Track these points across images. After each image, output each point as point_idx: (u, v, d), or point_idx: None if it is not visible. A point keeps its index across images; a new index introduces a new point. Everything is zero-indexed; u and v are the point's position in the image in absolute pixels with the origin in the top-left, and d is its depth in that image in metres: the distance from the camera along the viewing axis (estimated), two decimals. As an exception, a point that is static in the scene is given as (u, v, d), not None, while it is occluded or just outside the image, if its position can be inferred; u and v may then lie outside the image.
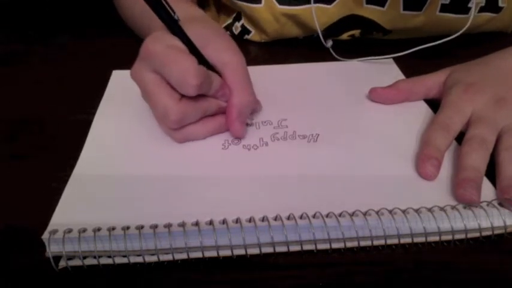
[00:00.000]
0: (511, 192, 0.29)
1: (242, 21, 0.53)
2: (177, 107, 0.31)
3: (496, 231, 0.27)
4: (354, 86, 0.42)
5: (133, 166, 0.33)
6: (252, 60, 0.49)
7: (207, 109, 0.34)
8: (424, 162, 0.32)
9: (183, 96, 0.32)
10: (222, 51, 0.34)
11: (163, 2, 0.30)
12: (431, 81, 0.39)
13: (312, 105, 0.39)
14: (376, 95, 0.40)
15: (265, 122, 0.37)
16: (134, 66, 0.33)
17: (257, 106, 0.38)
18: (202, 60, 0.32)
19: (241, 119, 0.34)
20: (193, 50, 0.32)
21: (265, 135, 0.36)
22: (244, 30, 0.53)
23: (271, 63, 0.46)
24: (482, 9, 0.48)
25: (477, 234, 0.27)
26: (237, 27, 0.53)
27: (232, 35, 0.54)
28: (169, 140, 0.35)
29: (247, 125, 0.36)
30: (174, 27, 0.31)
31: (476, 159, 0.31)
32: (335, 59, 0.47)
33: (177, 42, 0.31)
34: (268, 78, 0.43)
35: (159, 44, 0.31)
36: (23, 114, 0.40)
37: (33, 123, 0.39)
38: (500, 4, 0.48)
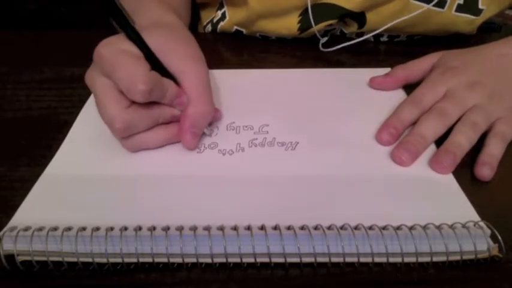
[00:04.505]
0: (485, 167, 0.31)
1: (224, 8, 0.52)
2: (122, 115, 0.30)
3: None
4: (345, 95, 0.40)
5: (105, 169, 0.32)
6: (245, 63, 0.46)
7: (160, 117, 0.32)
8: (383, 129, 0.34)
9: (133, 102, 0.30)
10: (182, 59, 0.33)
11: (119, 7, 0.30)
12: (427, 64, 0.40)
13: (298, 113, 0.38)
14: (375, 84, 0.41)
15: (246, 127, 0.36)
16: (88, 71, 0.32)
17: (217, 116, 0.36)
18: (159, 67, 0.31)
19: (194, 129, 0.32)
20: (150, 56, 0.31)
21: (243, 140, 0.35)
22: (222, 18, 0.52)
23: (265, 67, 0.45)
24: (461, 10, 0.47)
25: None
26: (217, 15, 0.53)
27: (214, 29, 0.54)
28: None
29: (204, 134, 0.34)
30: (130, 32, 0.31)
31: (428, 128, 0.33)
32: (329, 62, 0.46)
33: (130, 47, 0.31)
34: (257, 82, 0.42)
35: (110, 47, 0.30)
36: None
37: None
38: (480, 6, 0.47)
